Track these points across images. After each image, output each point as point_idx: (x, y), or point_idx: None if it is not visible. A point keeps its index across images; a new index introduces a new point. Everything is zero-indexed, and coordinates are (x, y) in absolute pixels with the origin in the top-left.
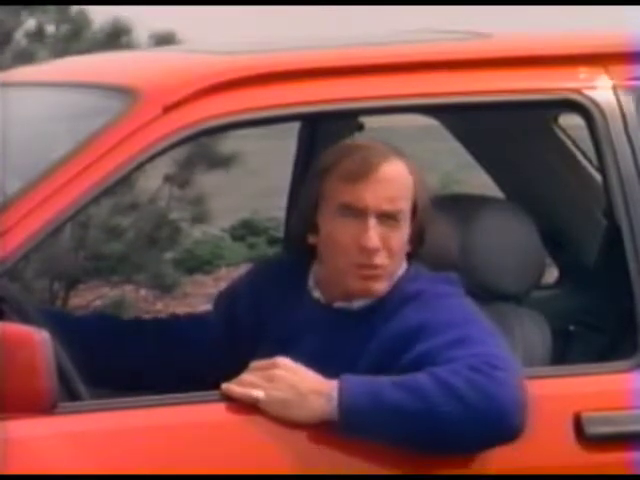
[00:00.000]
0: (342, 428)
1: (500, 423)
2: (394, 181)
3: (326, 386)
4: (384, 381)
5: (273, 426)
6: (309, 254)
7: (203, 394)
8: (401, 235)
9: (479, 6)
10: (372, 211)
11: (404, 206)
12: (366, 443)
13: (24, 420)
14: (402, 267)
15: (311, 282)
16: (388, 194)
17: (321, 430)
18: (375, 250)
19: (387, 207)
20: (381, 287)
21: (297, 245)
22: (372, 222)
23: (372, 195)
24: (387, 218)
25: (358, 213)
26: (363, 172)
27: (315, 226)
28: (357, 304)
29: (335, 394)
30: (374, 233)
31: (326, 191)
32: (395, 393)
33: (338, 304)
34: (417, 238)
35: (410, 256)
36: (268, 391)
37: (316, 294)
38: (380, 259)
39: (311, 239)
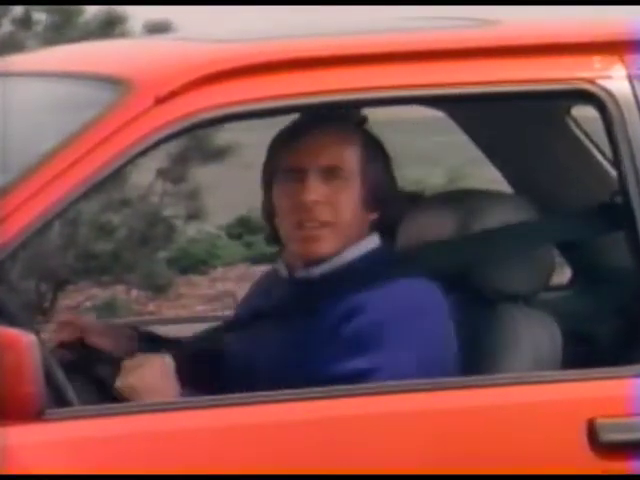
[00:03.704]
0: None
1: None
2: (333, 140)
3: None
4: None
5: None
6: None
7: (196, 399)
8: (346, 193)
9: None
10: (311, 168)
11: (347, 163)
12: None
13: (10, 427)
14: (369, 242)
15: (280, 263)
16: (327, 150)
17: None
18: (313, 204)
19: (326, 162)
20: (325, 248)
21: (270, 230)
22: (310, 178)
23: (309, 152)
24: (328, 174)
25: (296, 172)
26: (301, 133)
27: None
28: (314, 272)
29: None
30: (312, 188)
31: (277, 166)
32: None
33: (299, 273)
34: (377, 205)
35: (382, 231)
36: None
37: (282, 272)
38: (322, 215)
39: (276, 221)
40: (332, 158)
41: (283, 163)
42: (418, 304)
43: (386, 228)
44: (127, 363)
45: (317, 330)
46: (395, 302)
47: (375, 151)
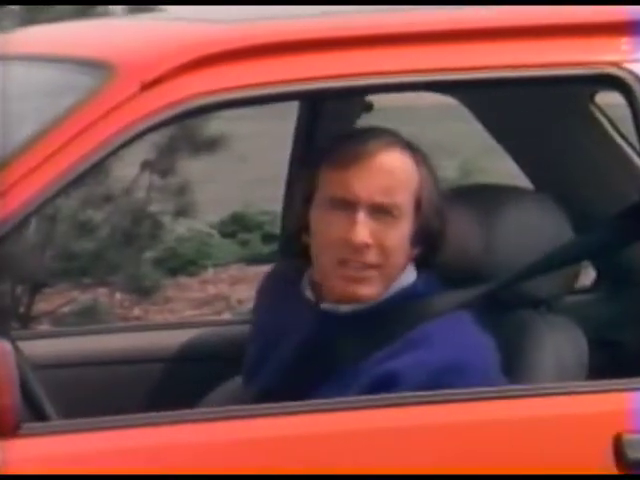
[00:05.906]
0: None
1: None
2: (391, 172)
3: None
4: None
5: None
6: (306, 255)
7: (180, 413)
8: (398, 233)
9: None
10: (363, 203)
11: (402, 200)
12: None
13: None
14: (407, 276)
15: (305, 282)
16: (383, 185)
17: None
18: (363, 246)
19: (380, 199)
20: (370, 291)
21: (293, 245)
22: (362, 215)
23: (364, 185)
24: (381, 212)
25: (347, 205)
26: (356, 160)
27: (308, 223)
28: (344, 308)
29: None
30: (363, 227)
31: (319, 183)
32: None
33: (325, 305)
34: (424, 240)
35: (421, 264)
36: None
37: (308, 293)
38: (370, 257)
39: (305, 238)
40: (387, 196)
41: (331, 188)
42: (463, 365)
43: (425, 262)
44: None
45: (344, 375)
46: (437, 364)
47: (431, 182)
